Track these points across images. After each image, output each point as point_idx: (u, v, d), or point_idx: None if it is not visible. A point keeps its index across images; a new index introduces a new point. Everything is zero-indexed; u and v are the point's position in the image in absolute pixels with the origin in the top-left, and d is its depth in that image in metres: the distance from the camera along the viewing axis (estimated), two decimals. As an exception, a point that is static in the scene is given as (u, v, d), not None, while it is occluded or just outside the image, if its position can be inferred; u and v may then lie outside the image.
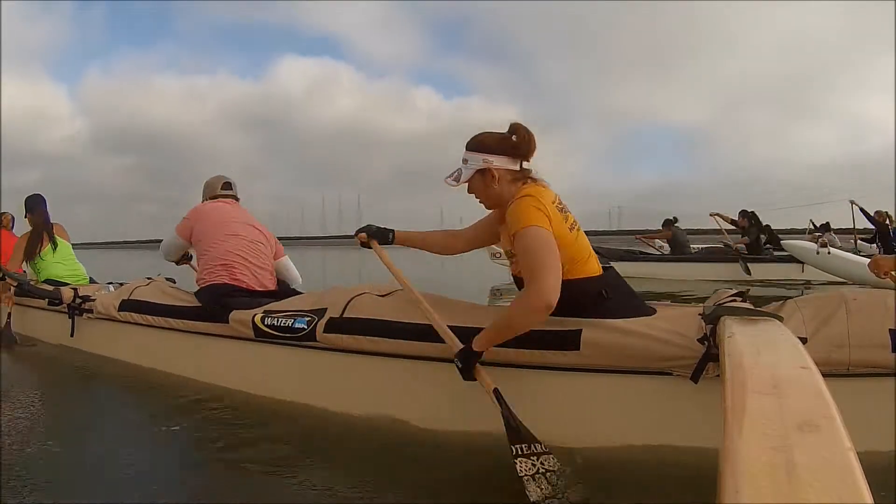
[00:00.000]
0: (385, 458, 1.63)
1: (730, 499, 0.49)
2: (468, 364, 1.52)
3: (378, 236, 1.98)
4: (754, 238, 7.48)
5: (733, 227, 7.98)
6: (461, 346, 1.56)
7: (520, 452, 1.37)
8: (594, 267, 1.58)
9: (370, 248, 1.99)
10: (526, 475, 1.32)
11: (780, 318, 1.35)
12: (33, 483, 1.48)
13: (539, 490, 1.30)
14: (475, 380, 1.53)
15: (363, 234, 1.98)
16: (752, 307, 1.48)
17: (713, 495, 0.53)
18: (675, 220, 8.29)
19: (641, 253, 8.39)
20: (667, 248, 8.32)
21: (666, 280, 7.10)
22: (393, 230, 1.98)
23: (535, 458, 1.36)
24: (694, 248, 8.31)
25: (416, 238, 1.99)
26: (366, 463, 1.61)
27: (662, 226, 8.31)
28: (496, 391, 1.48)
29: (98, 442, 1.84)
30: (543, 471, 1.34)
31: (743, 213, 7.76)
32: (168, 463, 1.70)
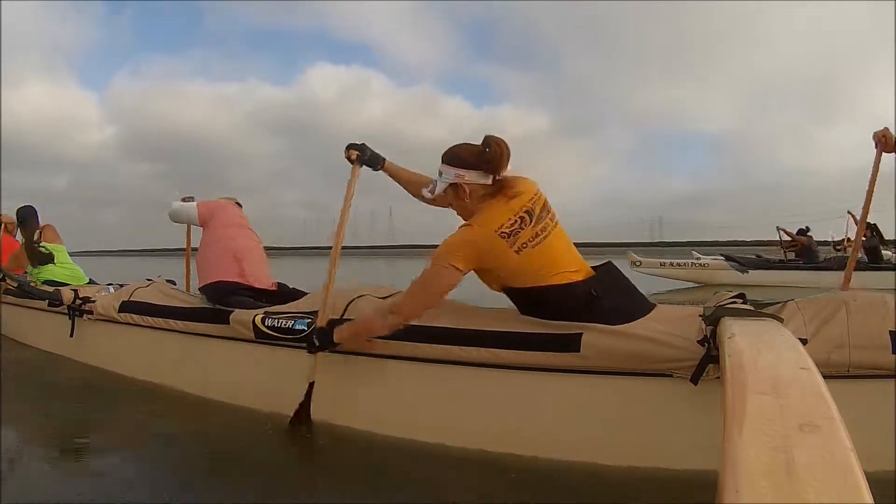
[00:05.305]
0: (385, 460, 1.63)
1: (730, 499, 0.49)
2: (322, 346, 1.72)
3: (369, 161, 1.91)
4: (875, 247, 7.81)
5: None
6: (324, 325, 1.74)
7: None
8: (568, 272, 1.56)
9: (352, 164, 1.88)
10: None
11: (781, 320, 1.35)
12: (34, 482, 1.49)
13: None
14: (313, 354, 1.74)
15: (355, 151, 1.88)
16: (752, 308, 1.48)
17: (713, 495, 0.53)
18: (808, 229, 8.75)
19: (780, 261, 8.63)
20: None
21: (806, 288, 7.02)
22: (385, 158, 1.95)
23: None
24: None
25: (403, 174, 1.97)
26: (367, 467, 1.61)
27: (797, 234, 8.75)
28: (311, 385, 1.76)
29: (98, 443, 1.84)
30: None
31: (867, 226, 8.04)
32: (167, 464, 1.70)
